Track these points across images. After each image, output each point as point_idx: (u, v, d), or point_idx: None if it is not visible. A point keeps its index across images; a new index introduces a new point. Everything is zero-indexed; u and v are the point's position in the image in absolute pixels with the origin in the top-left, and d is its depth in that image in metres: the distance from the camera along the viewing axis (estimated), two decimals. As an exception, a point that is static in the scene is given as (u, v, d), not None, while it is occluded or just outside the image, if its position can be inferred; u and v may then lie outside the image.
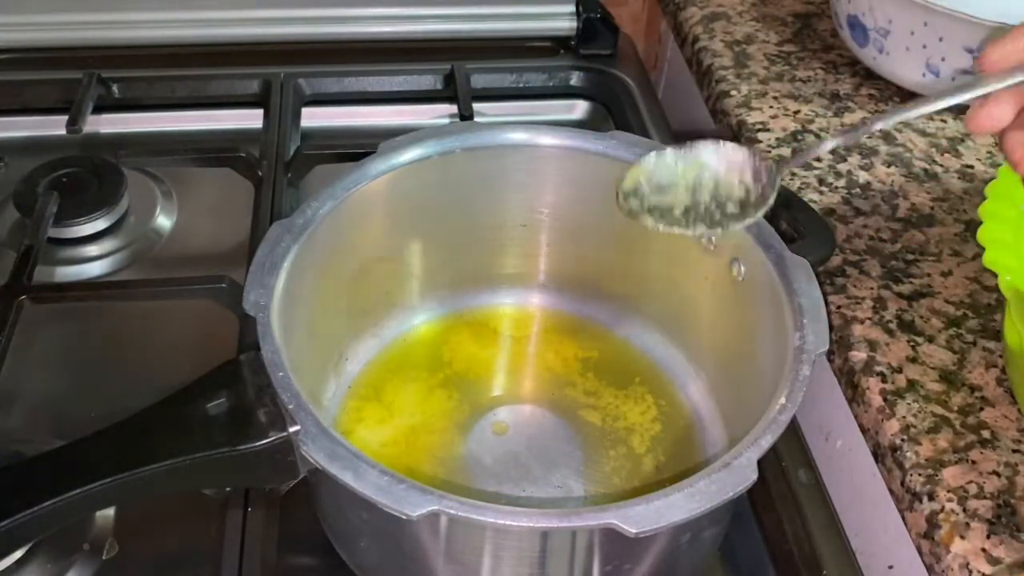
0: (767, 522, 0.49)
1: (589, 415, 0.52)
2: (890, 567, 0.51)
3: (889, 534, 0.50)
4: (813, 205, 0.58)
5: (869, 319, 0.52)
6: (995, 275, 0.49)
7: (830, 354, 0.53)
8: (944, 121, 0.67)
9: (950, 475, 0.45)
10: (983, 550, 0.42)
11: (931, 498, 0.44)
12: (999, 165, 0.58)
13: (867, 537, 0.52)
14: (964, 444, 0.47)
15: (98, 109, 0.71)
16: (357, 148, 0.62)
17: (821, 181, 0.62)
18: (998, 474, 0.45)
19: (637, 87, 0.75)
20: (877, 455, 0.49)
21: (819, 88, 0.70)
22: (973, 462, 0.46)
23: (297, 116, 0.72)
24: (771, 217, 0.52)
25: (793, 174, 0.62)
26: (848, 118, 0.67)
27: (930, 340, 0.51)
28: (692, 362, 0.54)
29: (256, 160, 0.67)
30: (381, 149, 0.51)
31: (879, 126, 0.37)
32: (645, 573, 0.42)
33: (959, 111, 0.68)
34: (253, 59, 0.75)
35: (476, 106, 0.71)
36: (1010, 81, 0.32)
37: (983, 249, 0.45)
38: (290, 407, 0.39)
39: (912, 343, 0.51)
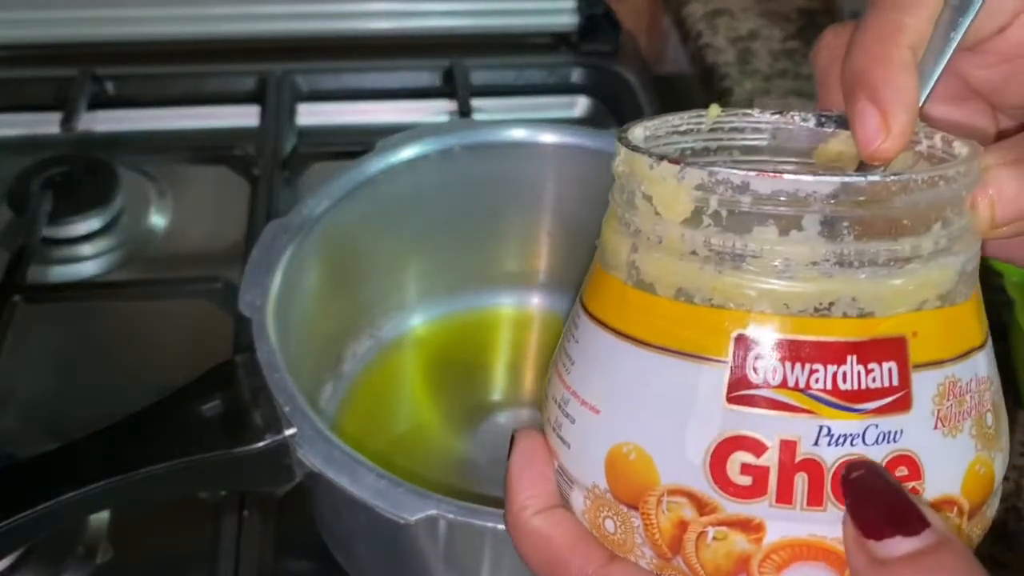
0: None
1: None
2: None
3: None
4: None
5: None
6: (1000, 274, 0.49)
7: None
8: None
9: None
10: (990, 556, 0.42)
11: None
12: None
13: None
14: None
15: (92, 107, 0.70)
16: (354, 146, 0.61)
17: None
18: (1006, 478, 0.45)
19: (639, 84, 0.75)
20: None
21: (822, 85, 0.69)
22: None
23: (293, 113, 0.71)
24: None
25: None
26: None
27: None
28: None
29: (252, 158, 0.66)
30: (379, 147, 0.50)
31: None
32: (647, 578, 0.41)
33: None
34: (249, 56, 0.75)
35: (475, 103, 0.70)
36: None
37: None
38: (286, 409, 0.39)
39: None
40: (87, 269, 0.61)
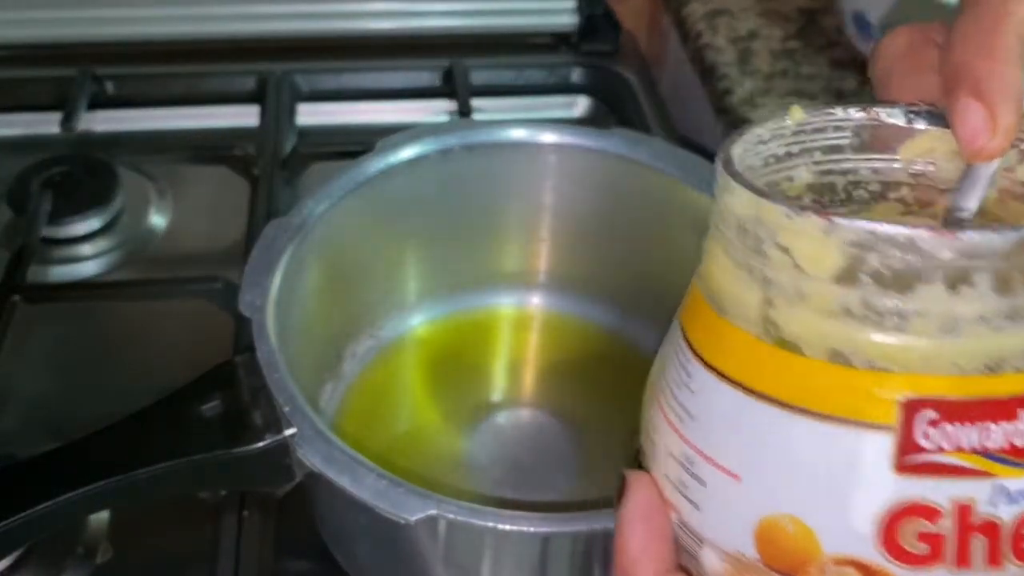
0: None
1: (590, 418, 0.52)
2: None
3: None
4: (817, 203, 0.58)
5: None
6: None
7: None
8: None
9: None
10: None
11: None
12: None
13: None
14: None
15: (92, 107, 0.70)
16: (354, 145, 0.61)
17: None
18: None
19: (639, 83, 0.75)
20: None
21: (824, 85, 0.69)
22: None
23: (293, 113, 0.71)
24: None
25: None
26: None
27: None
28: (695, 363, 0.53)
29: (252, 158, 0.66)
30: (379, 147, 0.50)
31: None
32: (648, 578, 0.41)
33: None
34: (249, 55, 0.75)
35: (475, 102, 0.70)
36: None
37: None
38: (286, 409, 0.39)
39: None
40: (87, 269, 0.61)
